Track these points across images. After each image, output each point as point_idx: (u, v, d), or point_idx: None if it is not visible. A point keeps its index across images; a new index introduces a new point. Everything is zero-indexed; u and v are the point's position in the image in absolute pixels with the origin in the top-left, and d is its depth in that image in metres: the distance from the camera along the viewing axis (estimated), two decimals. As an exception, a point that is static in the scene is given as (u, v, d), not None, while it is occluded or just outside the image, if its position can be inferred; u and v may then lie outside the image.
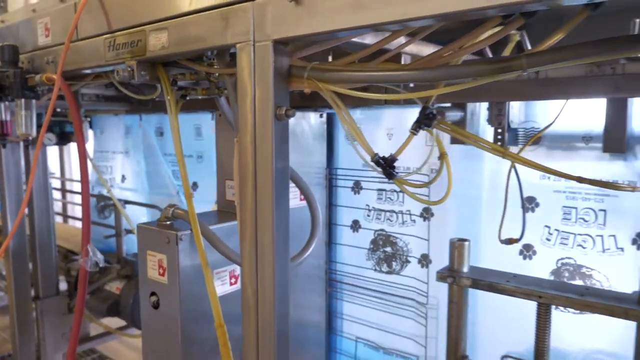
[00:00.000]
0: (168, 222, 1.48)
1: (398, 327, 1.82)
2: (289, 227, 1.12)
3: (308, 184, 1.62)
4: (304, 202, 1.65)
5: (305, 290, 1.89)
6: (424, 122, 1.01)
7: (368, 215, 1.86)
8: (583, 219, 1.35)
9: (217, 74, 1.31)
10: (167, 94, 1.34)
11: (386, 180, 1.31)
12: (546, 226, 1.44)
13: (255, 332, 1.16)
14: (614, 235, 1.34)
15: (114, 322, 2.78)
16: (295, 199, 1.70)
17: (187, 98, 1.43)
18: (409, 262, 1.76)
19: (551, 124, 1.29)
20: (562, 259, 1.40)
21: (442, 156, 1.15)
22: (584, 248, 1.36)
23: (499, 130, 1.42)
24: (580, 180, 0.94)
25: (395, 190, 1.77)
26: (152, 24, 1.26)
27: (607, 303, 1.11)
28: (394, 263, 1.80)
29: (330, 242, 1.96)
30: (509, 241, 1.37)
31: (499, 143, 1.43)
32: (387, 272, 1.82)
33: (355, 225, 1.91)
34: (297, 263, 1.39)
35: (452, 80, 0.88)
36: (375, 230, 1.85)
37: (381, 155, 1.02)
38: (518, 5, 0.73)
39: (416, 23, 0.86)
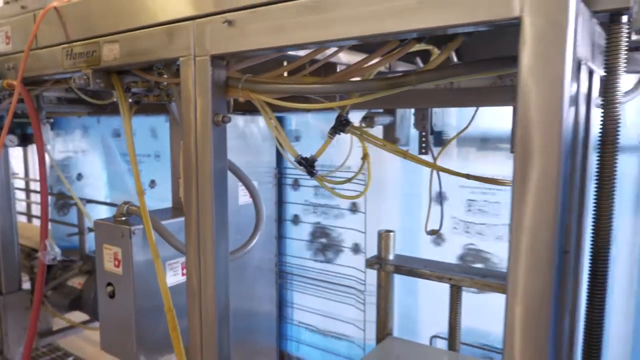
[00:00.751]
0: (123, 218, 1.60)
1: (340, 313, 1.98)
2: (227, 221, 1.26)
3: (255, 183, 1.77)
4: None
5: (257, 282, 2.03)
6: (339, 128, 1.16)
7: (306, 210, 2.01)
8: (482, 210, 1.54)
9: (165, 83, 1.44)
10: (120, 100, 1.46)
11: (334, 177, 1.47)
12: (453, 217, 1.62)
13: (199, 314, 1.29)
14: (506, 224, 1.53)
15: (77, 316, 2.86)
16: (246, 196, 1.84)
17: (140, 104, 1.55)
18: (342, 251, 1.93)
19: (464, 129, 1.47)
20: (467, 244, 1.58)
21: (365, 157, 1.31)
22: (482, 235, 1.54)
23: (423, 134, 1.59)
24: (467, 177, 1.11)
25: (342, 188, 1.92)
26: (106, 37, 1.38)
27: (502, 282, 1.29)
28: (328, 253, 1.96)
29: (280, 236, 2.10)
30: (432, 232, 1.54)
31: (424, 145, 1.60)
32: (323, 262, 1.98)
33: (296, 220, 2.06)
34: (241, 254, 1.53)
35: (362, 92, 1.04)
36: (313, 224, 2.00)
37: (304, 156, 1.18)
38: (404, 33, 0.89)
39: (326, 44, 1.01)
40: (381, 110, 1.63)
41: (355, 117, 1.59)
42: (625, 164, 1.61)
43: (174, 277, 1.64)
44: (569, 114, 0.76)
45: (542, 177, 0.76)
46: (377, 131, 1.71)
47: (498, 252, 1.55)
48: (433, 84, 0.98)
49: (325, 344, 2.07)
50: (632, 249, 1.48)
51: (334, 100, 1.17)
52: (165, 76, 1.38)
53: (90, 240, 2.80)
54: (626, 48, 0.90)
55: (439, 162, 1.51)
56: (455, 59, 1.40)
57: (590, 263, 0.95)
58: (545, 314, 0.79)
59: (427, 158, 1.58)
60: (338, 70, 1.49)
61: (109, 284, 1.59)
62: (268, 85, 1.13)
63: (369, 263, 1.48)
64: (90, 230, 2.76)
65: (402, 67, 1.63)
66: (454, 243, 1.71)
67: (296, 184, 2.01)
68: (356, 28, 0.92)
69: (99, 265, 1.62)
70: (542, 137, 0.75)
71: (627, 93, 1.19)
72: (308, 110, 1.51)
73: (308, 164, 1.17)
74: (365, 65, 1.04)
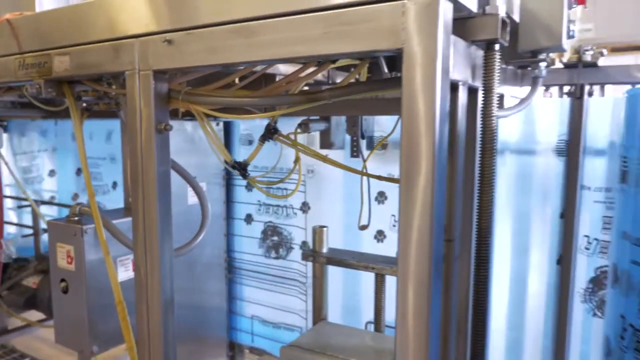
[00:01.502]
0: (76, 218, 1.70)
1: (285, 304, 2.13)
2: (171, 219, 1.39)
3: (204, 184, 1.90)
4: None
5: (207, 278, 2.15)
6: (268, 135, 1.31)
7: (259, 210, 2.16)
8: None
9: (114, 93, 1.56)
10: (71, 108, 1.57)
11: (273, 179, 1.62)
12: (392, 215, 1.80)
13: (146, 306, 1.42)
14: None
15: (33, 316, 2.91)
16: (195, 196, 1.97)
17: (91, 111, 1.66)
18: (292, 248, 2.08)
19: (388, 135, 1.64)
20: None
21: (296, 160, 1.46)
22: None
23: (354, 138, 1.76)
24: (369, 175, 1.28)
25: (279, 188, 2.08)
26: (57, 49, 1.49)
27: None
28: (280, 250, 2.11)
29: (229, 233, 2.24)
30: (363, 227, 1.71)
31: (355, 148, 1.77)
32: (275, 258, 2.13)
33: (249, 219, 2.20)
34: (187, 250, 1.66)
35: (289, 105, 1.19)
36: (265, 222, 2.15)
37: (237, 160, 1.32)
38: (312, 57, 1.05)
39: (252, 64, 1.16)
40: (317, 117, 1.79)
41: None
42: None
43: (125, 272, 1.75)
44: (443, 126, 0.93)
45: (421, 178, 0.93)
46: (314, 136, 1.87)
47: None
48: (344, 98, 1.14)
49: (273, 334, 2.22)
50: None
51: (270, 111, 1.31)
52: (114, 87, 1.50)
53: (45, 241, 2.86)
54: (499, 69, 1.08)
55: (369, 164, 1.68)
56: (386, 71, 1.58)
57: (475, 248, 1.14)
58: (428, 293, 0.96)
59: (359, 160, 1.74)
60: (277, 79, 1.65)
61: (63, 280, 1.69)
62: (205, 97, 1.27)
63: (304, 256, 1.64)
64: (44, 231, 2.82)
65: (341, 77, 1.80)
66: (394, 239, 1.88)
67: (250, 185, 2.15)
68: (274, 52, 1.07)
69: (53, 263, 1.72)
70: (420, 145, 0.92)
71: (520, 103, 1.38)
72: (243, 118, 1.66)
73: (241, 168, 1.32)
74: (290, 82, 1.20)
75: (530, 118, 1.80)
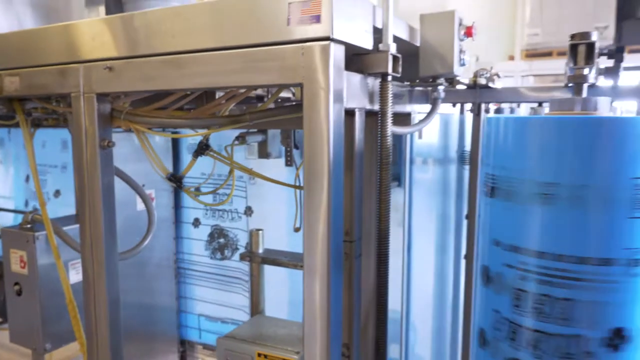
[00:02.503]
0: (28, 225, 1.83)
1: (230, 301, 2.30)
2: (115, 226, 1.54)
3: (153, 190, 2.05)
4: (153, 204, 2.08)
5: (156, 278, 2.30)
6: (200, 151, 1.48)
7: (206, 214, 2.32)
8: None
9: (61, 111, 1.69)
10: (22, 124, 1.69)
11: (218, 184, 1.79)
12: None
13: (94, 304, 1.56)
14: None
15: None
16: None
17: (40, 126, 1.79)
18: (237, 249, 2.25)
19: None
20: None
21: (231, 171, 1.64)
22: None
23: (288, 149, 1.95)
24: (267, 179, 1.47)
25: (225, 194, 2.24)
26: (7, 70, 1.62)
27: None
28: (226, 251, 2.28)
29: (178, 236, 2.39)
30: (297, 229, 1.90)
31: (289, 158, 1.96)
32: (221, 259, 2.29)
33: (196, 222, 2.36)
34: (134, 254, 1.81)
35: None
36: (212, 226, 2.31)
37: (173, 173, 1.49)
38: (233, 87, 1.23)
39: (183, 90, 1.33)
40: (255, 130, 1.96)
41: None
42: (450, 172, 2.05)
43: (77, 275, 1.88)
44: (337, 145, 1.12)
45: (320, 189, 1.11)
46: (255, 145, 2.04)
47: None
48: (263, 121, 1.32)
49: (220, 329, 2.38)
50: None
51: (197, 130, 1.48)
52: (61, 105, 1.63)
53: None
54: (392, 96, 1.28)
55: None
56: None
57: (376, 246, 1.33)
58: (328, 285, 1.14)
59: (292, 169, 1.93)
60: (217, 96, 1.82)
61: (16, 283, 1.81)
62: (143, 117, 1.43)
63: (242, 257, 1.81)
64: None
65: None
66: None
67: (197, 191, 2.29)
68: (200, 81, 1.25)
69: (7, 268, 1.84)
70: (317, 162, 1.11)
71: (423, 120, 1.59)
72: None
73: (176, 180, 1.48)
74: (218, 104, 1.37)
75: (449, 131, 2.03)
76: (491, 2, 9.70)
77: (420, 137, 1.81)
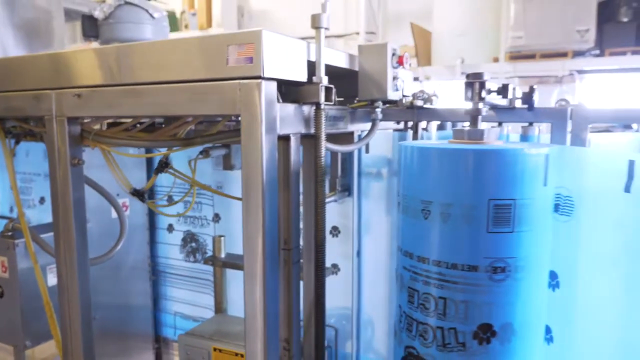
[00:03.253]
0: (9, 233, 1.99)
1: (203, 301, 2.47)
2: (86, 234, 1.71)
3: (127, 199, 2.22)
4: (127, 212, 2.25)
5: (132, 280, 2.47)
6: (160, 169, 1.66)
7: (178, 220, 2.49)
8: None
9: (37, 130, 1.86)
10: (2, 141, 1.86)
11: (190, 193, 1.96)
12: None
13: (68, 305, 1.74)
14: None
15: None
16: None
17: (19, 142, 1.96)
18: (207, 253, 2.42)
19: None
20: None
21: (192, 185, 1.81)
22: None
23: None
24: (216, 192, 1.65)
25: (196, 203, 2.41)
26: (-12, 93, 1.78)
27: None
28: (197, 254, 2.45)
29: (154, 241, 2.56)
30: (258, 236, 2.08)
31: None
32: (193, 262, 2.46)
33: (170, 228, 2.53)
34: (106, 259, 1.98)
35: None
36: (184, 231, 2.48)
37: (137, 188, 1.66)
38: (183, 115, 1.40)
39: (141, 117, 1.51)
40: (219, 144, 2.14)
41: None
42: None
43: (54, 278, 2.05)
44: (271, 167, 1.29)
45: (256, 205, 1.29)
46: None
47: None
48: (212, 143, 1.49)
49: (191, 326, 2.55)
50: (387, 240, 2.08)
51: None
52: (38, 125, 1.80)
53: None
54: (332, 119, 1.46)
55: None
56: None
57: (315, 253, 1.51)
58: (263, 287, 1.32)
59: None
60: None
61: (-1, 287, 1.98)
62: (109, 139, 1.60)
63: (205, 261, 1.99)
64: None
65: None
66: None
67: (170, 199, 2.46)
68: (154, 110, 1.42)
69: (-10, 272, 2.00)
70: (253, 181, 1.28)
71: (363, 139, 1.76)
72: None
73: (139, 194, 1.66)
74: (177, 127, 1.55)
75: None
76: (477, 5, 9.90)
77: (367, 151, 1.99)
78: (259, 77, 1.24)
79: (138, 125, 1.73)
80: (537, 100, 1.66)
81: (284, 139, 1.40)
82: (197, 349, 1.70)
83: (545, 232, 1.18)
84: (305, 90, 1.42)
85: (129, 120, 1.65)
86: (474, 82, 1.23)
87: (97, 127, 1.73)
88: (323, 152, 1.45)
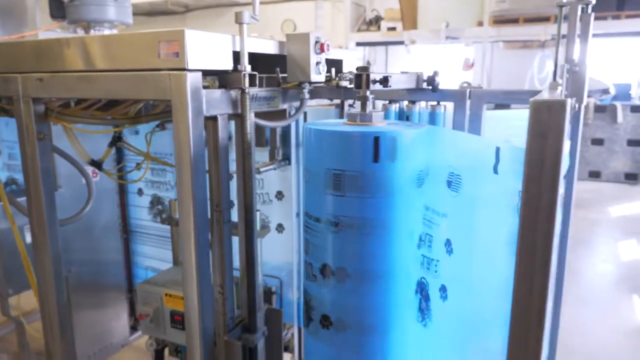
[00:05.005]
0: (-10, 197, 2.27)
1: (169, 256, 2.77)
2: (54, 197, 1.98)
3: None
4: (97, 178, 2.53)
5: (105, 238, 2.76)
6: (113, 142, 1.92)
7: (146, 185, 2.77)
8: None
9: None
10: (-21, 117, 2.11)
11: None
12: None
13: (41, 258, 2.03)
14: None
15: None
16: (94, 177, 2.55)
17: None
18: (170, 215, 2.71)
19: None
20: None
21: (145, 157, 2.08)
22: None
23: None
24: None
25: (161, 169, 2.68)
26: (-36, 75, 2.02)
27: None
28: (163, 215, 2.74)
29: (125, 204, 2.85)
30: (211, 199, 2.36)
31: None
32: (161, 222, 2.76)
33: (140, 192, 2.81)
34: (76, 219, 2.26)
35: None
36: (152, 195, 2.77)
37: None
38: (128, 98, 1.66)
39: (95, 98, 1.76)
40: (176, 117, 2.39)
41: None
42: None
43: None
44: (198, 143, 1.56)
45: (186, 174, 1.57)
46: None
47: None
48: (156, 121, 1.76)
49: (162, 280, 2.86)
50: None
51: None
52: (8, 103, 2.05)
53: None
54: (262, 99, 1.72)
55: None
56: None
57: (244, 214, 1.79)
58: (195, 242, 1.61)
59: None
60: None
61: (-20, 245, 2.27)
62: (69, 116, 1.86)
63: (162, 221, 2.27)
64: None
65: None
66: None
67: (138, 166, 2.72)
68: (105, 93, 1.68)
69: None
70: (183, 156, 1.55)
71: (291, 117, 2.02)
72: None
73: (96, 164, 1.93)
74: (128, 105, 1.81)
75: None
76: (460, -31, 9.89)
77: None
78: (184, 69, 1.49)
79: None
80: (441, 83, 1.92)
81: (213, 119, 1.66)
82: (152, 294, 2.01)
83: (402, 198, 1.46)
84: (232, 78, 1.67)
85: (86, 100, 1.91)
86: (362, 74, 1.49)
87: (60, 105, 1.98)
88: (248, 129, 1.72)
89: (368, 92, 1.51)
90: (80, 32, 2.48)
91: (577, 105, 1.93)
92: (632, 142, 9.39)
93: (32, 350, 2.59)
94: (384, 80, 1.54)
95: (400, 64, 12.35)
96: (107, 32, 2.43)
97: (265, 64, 1.89)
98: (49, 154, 1.95)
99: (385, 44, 12.16)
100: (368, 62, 13.05)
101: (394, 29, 11.05)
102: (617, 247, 6.04)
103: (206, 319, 1.70)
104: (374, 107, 2.21)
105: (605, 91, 10.10)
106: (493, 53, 11.28)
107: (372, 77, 1.49)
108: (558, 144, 0.99)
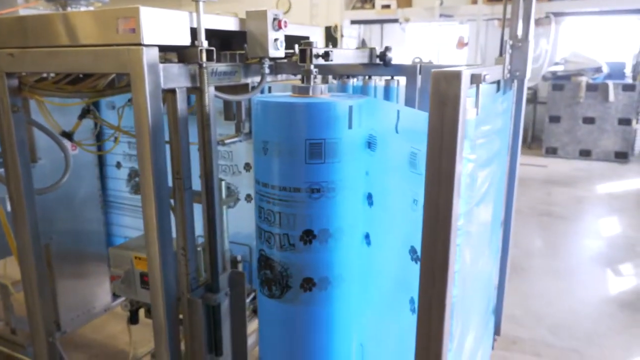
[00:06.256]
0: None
1: (145, 226, 2.91)
2: (30, 167, 2.10)
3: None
4: (75, 152, 2.65)
5: (86, 209, 2.89)
6: (82, 115, 2.03)
7: (124, 158, 2.89)
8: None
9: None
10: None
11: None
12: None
13: (20, 225, 2.16)
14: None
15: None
16: (73, 150, 2.67)
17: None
18: (147, 186, 2.84)
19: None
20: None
21: (116, 130, 2.20)
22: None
23: (174, 108, 2.50)
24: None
25: (136, 142, 2.79)
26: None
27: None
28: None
29: (105, 176, 2.97)
30: (183, 170, 2.48)
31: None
32: (134, 193, 2.88)
33: (118, 165, 2.93)
34: (52, 189, 2.38)
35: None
36: (129, 168, 2.89)
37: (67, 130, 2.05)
38: (95, 71, 1.77)
39: (64, 72, 1.87)
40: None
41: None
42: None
43: (13, 205, 2.47)
44: (156, 114, 1.67)
45: (144, 144, 1.68)
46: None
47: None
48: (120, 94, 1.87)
49: (142, 249, 3.00)
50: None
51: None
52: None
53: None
54: (223, 74, 1.82)
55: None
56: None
57: (204, 182, 1.91)
58: (157, 208, 1.73)
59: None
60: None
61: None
62: (41, 90, 1.97)
63: (135, 191, 2.40)
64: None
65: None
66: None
67: (116, 139, 2.84)
68: (72, 67, 1.79)
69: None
70: (141, 123, 1.67)
71: (252, 90, 2.12)
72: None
73: (67, 135, 2.05)
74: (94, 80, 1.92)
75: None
76: (454, -55, 9.84)
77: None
78: (140, 44, 1.60)
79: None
80: (393, 59, 2.02)
81: (171, 92, 1.77)
82: (122, 257, 2.14)
83: (352, 163, 1.58)
84: (190, 53, 1.78)
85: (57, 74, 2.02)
86: (306, 49, 1.59)
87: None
88: (207, 102, 1.83)
89: (312, 66, 1.61)
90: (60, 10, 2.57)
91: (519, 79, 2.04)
92: (623, 121, 9.46)
93: (17, 313, 2.74)
94: (325, 55, 1.64)
95: (395, 43, 12.34)
96: (83, 9, 2.52)
97: (239, 42, 2.01)
98: (24, 127, 2.06)
99: (380, 22, 12.14)
100: (363, 41, 13.03)
101: (388, 6, 11.03)
102: (598, 223, 6.18)
103: (168, 278, 1.84)
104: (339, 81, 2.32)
105: (598, 70, 10.12)
106: (488, 31, 11.26)
107: (315, 51, 1.59)
108: (455, 111, 1.11)
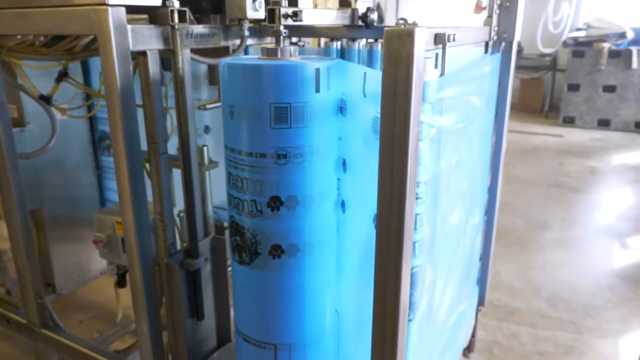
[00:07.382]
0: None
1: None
2: (12, 135, 2.10)
3: (64, 106, 2.61)
4: (65, 117, 2.65)
5: (78, 174, 2.91)
6: (59, 78, 2.01)
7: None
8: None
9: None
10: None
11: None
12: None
13: (7, 191, 2.18)
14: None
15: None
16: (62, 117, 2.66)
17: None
18: (138, 152, 2.83)
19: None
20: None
21: (97, 94, 2.17)
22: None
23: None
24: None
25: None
26: None
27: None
28: (130, 153, 2.86)
29: (94, 142, 2.98)
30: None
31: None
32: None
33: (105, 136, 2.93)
34: (38, 154, 2.39)
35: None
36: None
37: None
38: (64, 33, 1.73)
39: (33, 34, 1.84)
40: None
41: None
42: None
43: None
44: (124, 75, 1.63)
45: (114, 109, 1.65)
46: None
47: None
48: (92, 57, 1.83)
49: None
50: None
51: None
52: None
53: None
54: (199, 36, 1.77)
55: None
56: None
57: (181, 147, 1.89)
58: (127, 176, 1.72)
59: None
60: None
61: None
62: (18, 53, 1.95)
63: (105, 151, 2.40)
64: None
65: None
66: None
67: (90, 101, 2.81)
68: (39, 29, 1.76)
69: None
70: (111, 87, 1.63)
71: (232, 53, 2.07)
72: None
73: (45, 99, 2.03)
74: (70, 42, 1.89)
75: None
76: None
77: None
78: (105, 4, 1.55)
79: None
80: (378, 20, 1.94)
81: (142, 54, 1.73)
82: (105, 222, 2.15)
83: (322, 128, 1.53)
84: (160, 14, 1.72)
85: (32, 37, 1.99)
86: (275, 8, 1.53)
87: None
88: (180, 65, 1.78)
89: (282, 27, 1.55)
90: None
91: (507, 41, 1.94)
92: (645, 89, 9.14)
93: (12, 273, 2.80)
94: (294, 15, 1.58)
95: (411, 8, 12.01)
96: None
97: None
98: (3, 88, 2.05)
99: (396, -15, 11.79)
100: (378, 6, 12.72)
101: (404, -31, 10.69)
102: (610, 195, 6.04)
103: (144, 243, 1.84)
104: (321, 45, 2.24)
105: (622, 35, 9.72)
106: (507, -5, 10.87)
107: (283, 11, 1.53)
108: (409, 72, 1.05)
